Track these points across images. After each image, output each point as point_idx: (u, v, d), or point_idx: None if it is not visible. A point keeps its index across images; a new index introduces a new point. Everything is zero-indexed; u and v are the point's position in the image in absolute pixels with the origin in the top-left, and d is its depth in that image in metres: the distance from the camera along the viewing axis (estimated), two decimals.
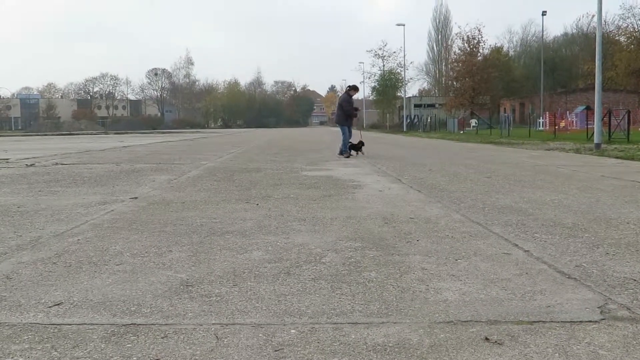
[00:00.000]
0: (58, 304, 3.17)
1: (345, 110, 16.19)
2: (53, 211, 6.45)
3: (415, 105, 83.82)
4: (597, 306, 3.07)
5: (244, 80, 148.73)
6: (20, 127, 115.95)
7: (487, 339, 2.63)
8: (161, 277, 3.71)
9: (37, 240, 4.88)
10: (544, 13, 56.15)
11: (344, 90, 17.18)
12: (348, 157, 15.46)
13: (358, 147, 16.34)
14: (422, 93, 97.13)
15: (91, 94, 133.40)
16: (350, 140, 16.30)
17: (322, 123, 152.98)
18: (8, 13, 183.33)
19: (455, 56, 68.82)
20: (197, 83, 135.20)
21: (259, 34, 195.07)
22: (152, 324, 2.86)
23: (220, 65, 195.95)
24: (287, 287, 3.48)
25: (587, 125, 30.21)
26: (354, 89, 16.11)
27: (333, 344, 2.60)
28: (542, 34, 64.24)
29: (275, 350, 2.53)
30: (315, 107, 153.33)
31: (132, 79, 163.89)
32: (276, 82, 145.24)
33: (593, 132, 20.92)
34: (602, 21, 22.02)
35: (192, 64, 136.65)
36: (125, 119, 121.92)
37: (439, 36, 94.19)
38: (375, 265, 3.97)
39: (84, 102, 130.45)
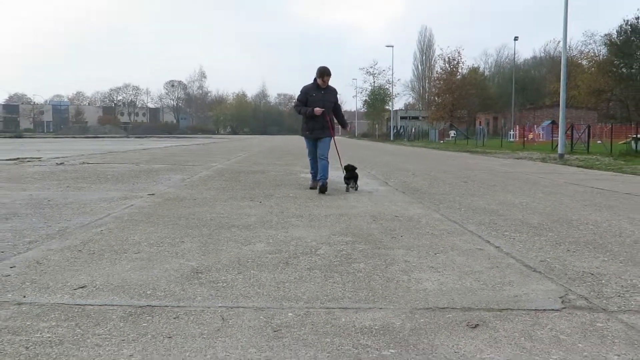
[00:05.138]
0: (82, 287, 3.16)
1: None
2: (79, 205, 6.43)
3: (401, 117, 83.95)
4: (559, 296, 3.08)
5: (251, 92, 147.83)
6: (51, 130, 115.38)
7: (468, 324, 2.63)
8: (174, 265, 3.69)
9: (65, 230, 4.86)
10: (516, 38, 56.26)
11: None
12: (315, 187, 8.34)
13: (349, 176, 8.42)
14: (408, 107, 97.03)
15: (115, 101, 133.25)
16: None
17: None
18: (42, 27, 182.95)
19: (437, 75, 68.94)
20: (209, 94, 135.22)
21: (265, 52, 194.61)
22: (165, 306, 2.85)
23: (230, 78, 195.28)
24: (286, 275, 3.47)
25: (552, 137, 30.35)
26: (320, 73, 8.10)
27: (325, 326, 2.60)
28: (514, 57, 64.65)
29: (275, 331, 2.53)
30: None
31: (151, 89, 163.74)
32: (279, 95, 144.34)
33: (557, 144, 20.98)
34: (567, 46, 22.09)
35: (205, 77, 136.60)
36: (145, 124, 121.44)
37: (423, 57, 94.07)
38: (363, 258, 3.96)
39: (108, 109, 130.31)
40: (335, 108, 8.48)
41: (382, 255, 4.04)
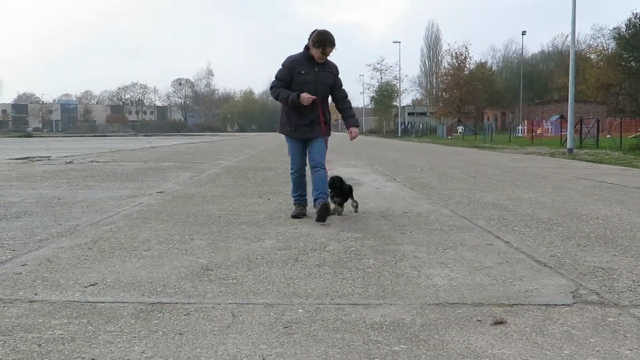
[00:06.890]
0: (93, 284, 3.17)
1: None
2: (89, 203, 6.46)
3: (409, 114, 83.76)
4: (570, 291, 3.06)
5: (258, 89, 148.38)
6: (60, 129, 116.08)
7: (479, 321, 2.62)
8: (184, 262, 3.70)
9: (75, 228, 4.89)
10: (523, 33, 55.99)
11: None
12: (300, 215, 5.52)
13: (343, 195, 5.69)
14: (415, 102, 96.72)
15: (123, 100, 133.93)
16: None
17: None
18: (50, 26, 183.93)
19: (444, 70, 68.73)
20: (216, 92, 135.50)
21: (272, 49, 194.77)
22: (176, 303, 2.86)
23: (237, 76, 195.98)
24: (295, 271, 3.47)
25: (560, 132, 30.16)
26: (319, 41, 5.06)
27: (336, 322, 2.60)
28: (522, 52, 64.40)
29: (285, 327, 2.53)
30: None
31: (159, 87, 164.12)
32: None
33: (566, 139, 20.85)
34: (575, 40, 21.94)
35: (212, 74, 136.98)
36: (153, 122, 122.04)
37: (431, 52, 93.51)
38: (373, 254, 3.96)
39: (116, 108, 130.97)
40: (336, 95, 5.46)
41: (391, 251, 4.03)
